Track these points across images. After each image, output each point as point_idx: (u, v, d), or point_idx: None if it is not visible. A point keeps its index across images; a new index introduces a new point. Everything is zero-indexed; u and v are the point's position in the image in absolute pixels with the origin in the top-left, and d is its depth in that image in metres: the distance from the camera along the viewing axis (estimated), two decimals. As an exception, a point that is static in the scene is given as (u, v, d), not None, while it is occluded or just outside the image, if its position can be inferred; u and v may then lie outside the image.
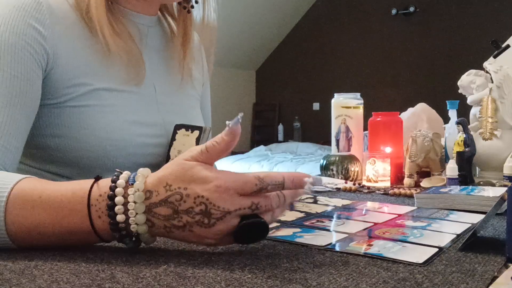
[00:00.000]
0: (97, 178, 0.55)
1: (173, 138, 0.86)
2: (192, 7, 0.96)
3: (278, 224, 0.70)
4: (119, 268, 0.49)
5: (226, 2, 5.29)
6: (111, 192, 0.52)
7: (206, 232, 0.52)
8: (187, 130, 0.85)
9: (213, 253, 0.55)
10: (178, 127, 0.87)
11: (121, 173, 0.55)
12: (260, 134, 6.63)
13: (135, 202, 0.52)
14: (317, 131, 5.97)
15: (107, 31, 0.80)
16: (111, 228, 0.53)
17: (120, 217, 0.52)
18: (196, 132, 0.84)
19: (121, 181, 0.53)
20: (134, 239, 0.54)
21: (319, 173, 1.26)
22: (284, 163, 4.54)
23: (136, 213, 0.52)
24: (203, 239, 0.53)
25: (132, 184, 0.53)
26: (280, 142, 6.15)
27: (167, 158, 0.85)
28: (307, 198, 0.95)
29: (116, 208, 0.52)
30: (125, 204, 0.52)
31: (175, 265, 0.51)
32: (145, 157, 0.86)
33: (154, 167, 0.86)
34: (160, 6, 0.96)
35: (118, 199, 0.52)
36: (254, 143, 6.43)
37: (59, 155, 0.80)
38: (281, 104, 6.55)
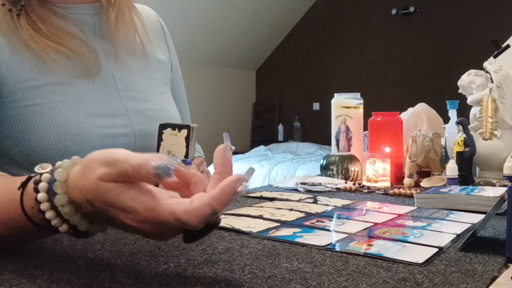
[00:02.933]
0: (25, 183, 0.51)
1: (159, 139, 0.84)
2: None
3: (278, 224, 0.71)
4: (119, 268, 0.49)
5: (226, 2, 5.29)
6: (39, 207, 0.48)
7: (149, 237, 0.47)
8: (173, 129, 0.83)
9: (213, 253, 0.55)
10: (163, 126, 0.83)
11: (39, 178, 0.48)
12: (260, 134, 6.63)
13: (67, 214, 0.47)
14: (317, 131, 5.97)
15: (30, 40, 0.78)
16: (52, 229, 0.48)
17: (63, 228, 0.48)
18: (184, 131, 0.82)
19: (42, 195, 0.47)
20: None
21: (319, 173, 1.26)
22: (284, 163, 4.54)
23: (74, 220, 0.47)
24: (149, 238, 0.48)
25: (54, 196, 0.47)
26: (280, 142, 6.14)
27: None
28: (307, 198, 0.95)
29: (53, 222, 0.47)
30: (58, 215, 0.47)
31: (175, 265, 0.51)
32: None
33: None
34: None
35: (49, 214, 0.47)
36: (254, 143, 6.42)
37: (23, 159, 0.79)
38: (281, 104, 6.55)
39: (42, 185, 0.47)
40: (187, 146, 0.80)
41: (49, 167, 0.50)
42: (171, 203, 0.44)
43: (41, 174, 0.49)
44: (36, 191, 0.48)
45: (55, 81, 0.79)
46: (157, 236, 0.46)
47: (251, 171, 0.47)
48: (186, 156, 0.80)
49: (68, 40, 0.82)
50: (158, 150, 0.83)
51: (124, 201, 0.44)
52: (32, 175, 0.51)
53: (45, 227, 0.49)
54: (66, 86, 0.80)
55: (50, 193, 0.47)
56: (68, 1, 0.86)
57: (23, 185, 0.51)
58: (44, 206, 0.47)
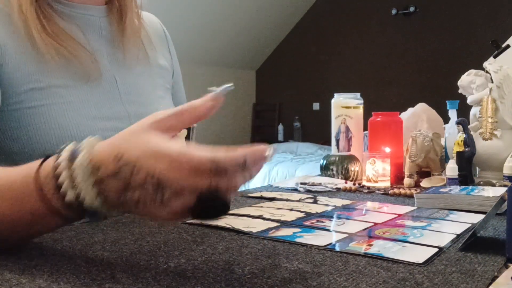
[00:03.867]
0: (46, 158, 0.52)
1: None
2: None
3: (278, 224, 0.71)
4: (119, 268, 0.49)
5: (226, 2, 5.29)
6: (56, 171, 0.49)
7: (161, 209, 0.47)
8: None
9: (213, 253, 0.55)
10: None
11: (67, 144, 0.51)
12: (260, 134, 6.63)
13: (82, 176, 0.48)
14: (317, 131, 5.96)
15: (38, 36, 0.78)
16: (65, 208, 0.49)
17: (69, 195, 0.48)
18: (184, 132, 0.82)
19: (64, 154, 0.49)
20: (96, 213, 0.50)
21: (319, 173, 1.26)
22: (284, 163, 4.54)
23: (85, 188, 0.48)
24: (158, 217, 0.48)
25: (77, 156, 0.49)
26: (280, 142, 6.14)
27: None
28: (307, 198, 0.95)
29: (64, 186, 0.48)
30: (73, 179, 0.48)
31: (175, 265, 0.51)
32: (107, 135, 0.81)
33: None
34: None
35: (63, 177, 0.49)
36: (254, 143, 6.42)
37: (23, 158, 0.78)
38: (281, 104, 6.55)
39: (69, 147, 0.50)
40: None
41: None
42: (204, 149, 0.46)
43: (68, 143, 0.51)
44: (61, 150, 0.50)
45: (58, 83, 0.80)
46: (179, 190, 0.45)
47: (227, 88, 0.53)
48: None
49: (68, 42, 0.82)
50: None
51: (160, 144, 0.46)
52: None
53: (54, 203, 0.50)
54: (70, 88, 0.81)
55: (74, 152, 0.49)
56: (80, 0, 0.86)
57: (46, 158, 0.52)
58: (62, 165, 0.49)
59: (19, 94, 0.77)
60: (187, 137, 0.81)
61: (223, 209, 0.48)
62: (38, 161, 0.52)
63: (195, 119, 0.51)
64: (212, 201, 0.47)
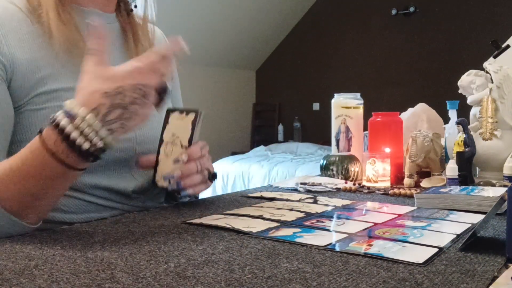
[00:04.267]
0: (40, 131, 0.63)
1: (166, 122, 0.84)
2: (131, 10, 0.96)
3: (278, 224, 0.71)
4: (119, 268, 0.49)
5: (226, 2, 5.29)
6: (61, 136, 0.61)
7: (147, 107, 0.65)
8: (181, 113, 0.83)
9: (213, 253, 0.56)
10: (170, 110, 0.85)
11: (54, 117, 0.62)
12: (260, 134, 6.63)
13: (90, 126, 0.61)
14: (317, 131, 5.96)
15: (60, 34, 0.79)
16: (83, 158, 0.62)
17: (85, 145, 0.61)
18: (192, 115, 0.82)
19: (64, 121, 0.61)
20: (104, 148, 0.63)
21: (319, 173, 1.26)
22: (284, 163, 4.53)
23: (97, 132, 0.61)
24: (146, 116, 0.66)
25: (75, 115, 0.61)
26: (280, 142, 6.14)
27: (160, 142, 0.84)
28: (307, 198, 0.95)
29: (77, 142, 0.61)
30: (82, 133, 0.61)
31: (175, 265, 0.51)
32: (113, 153, 0.83)
33: (123, 162, 0.85)
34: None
35: (74, 134, 0.61)
36: (254, 143, 6.42)
37: None
38: (281, 104, 6.55)
39: (60, 116, 0.62)
40: (193, 129, 0.80)
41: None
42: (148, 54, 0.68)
43: (54, 116, 0.63)
44: (53, 120, 0.62)
45: (66, 86, 0.80)
46: (151, 86, 0.65)
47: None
48: (191, 139, 0.80)
49: (82, 44, 0.83)
50: (162, 133, 0.83)
51: (124, 66, 0.65)
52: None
53: (68, 160, 0.62)
54: (74, 92, 0.81)
55: (69, 115, 0.61)
56: (86, 5, 0.88)
57: (40, 131, 0.63)
58: (68, 128, 0.61)
59: (25, 99, 0.78)
60: (194, 121, 0.82)
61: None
62: (37, 137, 0.63)
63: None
64: (163, 91, 0.68)
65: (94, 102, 0.61)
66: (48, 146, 0.62)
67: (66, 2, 0.84)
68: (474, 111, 1.19)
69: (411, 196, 0.98)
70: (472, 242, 0.59)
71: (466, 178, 1.08)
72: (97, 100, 0.61)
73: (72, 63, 0.82)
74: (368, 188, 1.10)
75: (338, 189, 1.08)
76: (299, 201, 0.92)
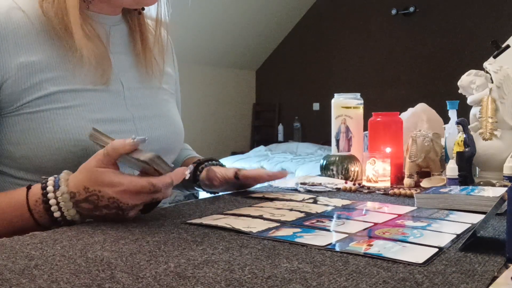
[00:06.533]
0: (28, 187, 0.71)
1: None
2: (143, 9, 0.96)
3: (278, 224, 0.71)
4: (119, 268, 0.49)
5: (226, 2, 5.29)
6: (44, 198, 0.70)
7: (122, 218, 0.70)
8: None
9: (213, 253, 0.56)
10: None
11: (47, 179, 0.71)
12: (260, 134, 6.63)
13: (64, 202, 0.69)
14: (317, 131, 5.97)
15: (79, 35, 0.80)
16: (52, 222, 0.70)
17: (56, 214, 0.70)
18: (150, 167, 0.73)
19: (49, 188, 0.70)
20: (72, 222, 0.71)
21: (319, 173, 1.26)
22: (284, 163, 4.53)
23: (68, 209, 0.70)
24: (121, 220, 0.71)
25: (58, 188, 0.70)
26: (280, 142, 6.14)
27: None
28: (307, 198, 0.95)
29: (52, 208, 0.70)
30: (58, 203, 0.69)
31: (175, 265, 0.51)
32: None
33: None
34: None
35: (52, 201, 0.69)
36: (254, 143, 6.42)
37: (25, 162, 0.79)
38: (281, 104, 6.55)
39: (50, 182, 0.71)
40: (158, 170, 0.72)
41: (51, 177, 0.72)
42: (145, 177, 0.70)
43: (47, 179, 0.72)
44: (44, 184, 0.71)
45: (67, 88, 0.81)
46: (132, 206, 0.70)
47: (141, 140, 0.69)
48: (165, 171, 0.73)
49: (99, 45, 0.85)
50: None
51: (113, 178, 0.69)
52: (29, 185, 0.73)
53: (40, 220, 0.71)
54: (77, 93, 0.82)
55: (55, 185, 0.70)
56: (98, 10, 0.89)
57: (29, 187, 0.72)
58: (49, 195, 0.70)
59: (20, 102, 0.78)
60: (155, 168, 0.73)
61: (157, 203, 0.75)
62: (24, 190, 0.71)
63: (119, 156, 0.69)
64: (154, 204, 0.74)
65: (76, 187, 0.69)
66: (30, 202, 0.70)
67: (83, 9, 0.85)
68: (474, 111, 1.19)
69: (411, 196, 0.98)
70: (472, 242, 0.59)
71: (466, 178, 1.08)
72: (78, 187, 0.69)
73: (90, 67, 0.83)
74: (368, 188, 1.10)
75: (338, 189, 1.08)
76: (299, 201, 0.92)
